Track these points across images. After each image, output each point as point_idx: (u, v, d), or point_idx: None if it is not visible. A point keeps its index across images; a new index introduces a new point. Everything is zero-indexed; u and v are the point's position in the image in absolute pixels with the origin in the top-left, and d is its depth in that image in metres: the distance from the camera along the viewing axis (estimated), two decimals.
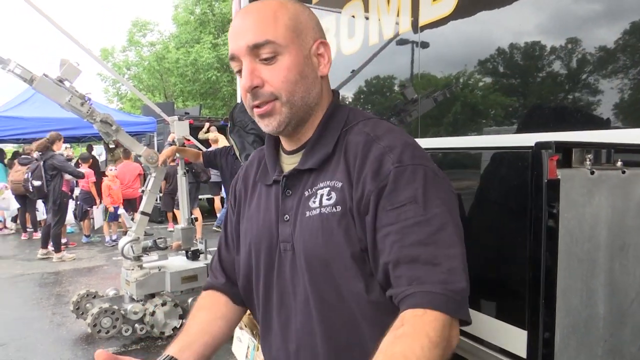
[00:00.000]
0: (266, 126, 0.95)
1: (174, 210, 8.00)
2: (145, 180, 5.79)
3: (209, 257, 4.54)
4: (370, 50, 2.12)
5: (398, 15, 1.95)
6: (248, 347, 3.05)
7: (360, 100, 2.30)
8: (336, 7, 2.34)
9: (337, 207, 0.90)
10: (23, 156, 8.76)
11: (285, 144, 1.03)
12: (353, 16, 2.21)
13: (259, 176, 1.07)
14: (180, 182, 4.66)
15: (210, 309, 1.10)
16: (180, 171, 4.62)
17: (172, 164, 4.67)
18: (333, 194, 0.91)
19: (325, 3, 2.44)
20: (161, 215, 9.49)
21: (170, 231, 8.21)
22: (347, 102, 2.28)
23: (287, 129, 0.95)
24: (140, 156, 4.29)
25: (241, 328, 3.20)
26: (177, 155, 4.31)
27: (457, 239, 0.83)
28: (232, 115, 2.13)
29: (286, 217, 0.97)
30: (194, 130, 7.85)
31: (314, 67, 0.95)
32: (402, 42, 1.93)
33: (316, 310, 0.93)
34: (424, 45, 1.82)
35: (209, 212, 10.20)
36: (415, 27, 1.82)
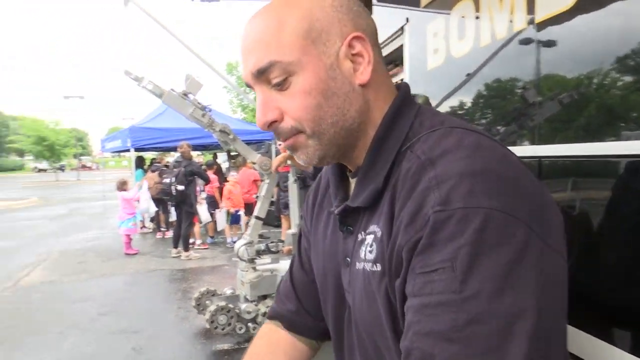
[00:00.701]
0: (298, 159, 0.75)
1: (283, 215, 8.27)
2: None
3: None
4: (484, 51, 2.00)
5: (512, 12, 1.81)
6: None
7: (473, 106, 2.18)
8: (445, 9, 2.24)
9: (377, 264, 0.68)
10: (156, 164, 9.75)
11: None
12: (463, 17, 2.11)
13: (326, 199, 0.88)
14: (292, 189, 4.79)
15: (268, 355, 0.94)
16: (291, 178, 4.76)
17: (283, 170, 4.83)
18: (375, 246, 0.69)
19: (434, 5, 2.36)
20: (277, 219, 9.87)
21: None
22: (462, 110, 2.17)
23: (326, 161, 0.75)
24: (255, 163, 4.52)
25: None
26: (289, 162, 4.46)
27: (515, 344, 0.53)
28: None
29: (347, 260, 0.77)
30: None
31: (347, 76, 0.70)
32: (521, 41, 1.79)
33: None
34: (545, 43, 1.67)
35: None
36: (534, 23, 1.68)
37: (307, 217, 0.94)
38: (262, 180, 4.88)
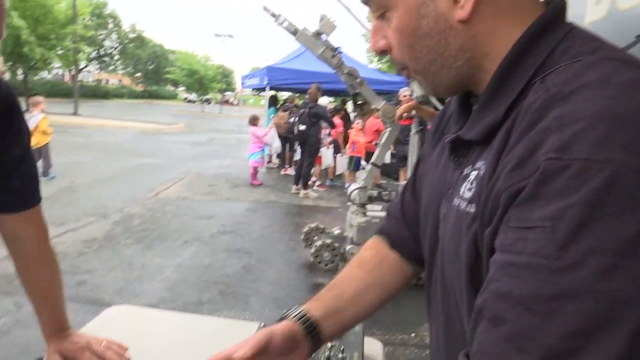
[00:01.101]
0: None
1: (402, 169, 8.15)
2: None
3: None
4: None
5: None
6: None
7: None
8: None
9: (472, 205, 0.60)
10: (287, 104, 10.11)
11: None
12: None
13: (447, 125, 0.80)
14: (412, 140, 4.68)
15: (372, 269, 0.93)
16: (413, 129, 4.64)
17: (406, 123, 4.70)
18: (474, 185, 0.61)
19: None
20: (397, 172, 9.76)
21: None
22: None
23: (443, 94, 0.70)
24: (378, 110, 4.45)
25: None
26: (413, 112, 4.32)
27: (611, 337, 0.42)
28: None
29: (449, 193, 0.69)
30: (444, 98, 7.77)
31: (442, 13, 0.61)
32: None
33: (443, 326, 0.73)
34: None
35: None
36: None
37: (428, 142, 0.88)
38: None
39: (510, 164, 0.52)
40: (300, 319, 0.84)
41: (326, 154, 9.14)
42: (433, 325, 0.78)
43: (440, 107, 4.78)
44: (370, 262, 0.94)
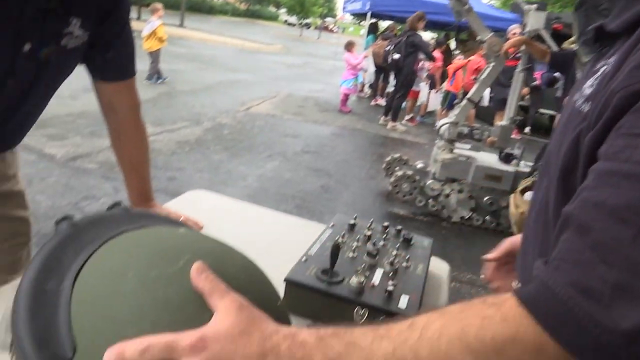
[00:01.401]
0: None
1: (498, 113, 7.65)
2: None
3: (522, 165, 4.27)
4: None
5: None
6: None
7: None
8: None
9: (587, 104, 0.54)
10: (387, 32, 9.66)
11: None
12: None
13: None
14: (516, 78, 4.33)
15: None
16: (520, 67, 4.28)
17: (511, 64, 4.34)
18: (596, 83, 0.55)
19: None
20: (492, 117, 9.18)
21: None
22: None
23: None
24: (484, 42, 4.13)
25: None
26: (522, 48, 3.97)
27: None
28: None
29: (576, 88, 0.65)
30: (559, 38, 7.05)
31: None
32: None
33: (535, 213, 0.70)
34: None
35: (547, 130, 9.39)
36: None
37: None
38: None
39: (633, 63, 0.47)
40: None
41: (423, 89, 8.79)
42: (525, 231, 0.75)
43: (553, 45, 4.36)
44: None
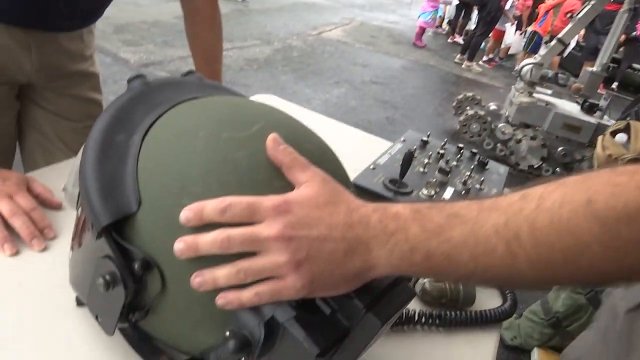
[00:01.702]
0: None
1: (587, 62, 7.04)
2: None
3: (605, 118, 3.94)
4: None
5: None
6: None
7: None
8: None
9: None
10: None
11: None
12: None
13: None
14: (618, 20, 3.89)
15: None
16: (625, 6, 3.83)
17: (612, 8, 3.89)
18: None
19: None
20: (579, 67, 8.46)
21: None
22: None
23: None
24: None
25: None
26: None
27: None
28: None
29: None
30: None
31: None
32: None
33: None
34: None
35: (637, 88, 8.59)
36: None
37: None
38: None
39: None
40: None
41: (509, 31, 8.19)
42: None
43: None
44: None
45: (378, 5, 12.56)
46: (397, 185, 0.95)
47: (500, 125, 4.02)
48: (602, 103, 3.99)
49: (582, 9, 3.85)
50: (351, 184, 0.61)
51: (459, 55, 7.69)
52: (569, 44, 4.07)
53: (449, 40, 9.67)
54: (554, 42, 3.93)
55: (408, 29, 9.53)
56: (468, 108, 4.40)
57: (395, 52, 7.39)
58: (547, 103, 3.97)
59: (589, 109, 3.98)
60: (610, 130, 1.50)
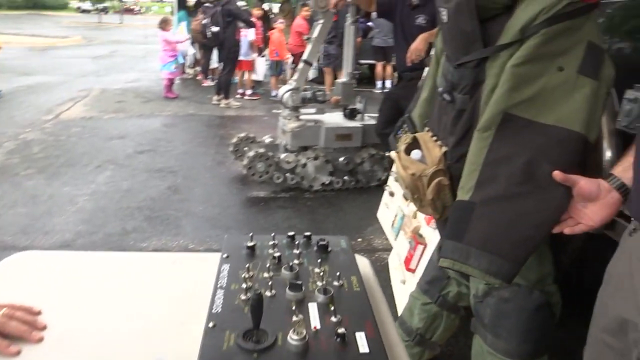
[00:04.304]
0: None
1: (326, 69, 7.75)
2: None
3: (367, 118, 4.28)
4: None
5: None
6: (396, 215, 2.80)
7: None
8: None
9: None
10: (206, 5, 8.99)
11: None
12: None
13: None
14: (348, 32, 4.26)
15: None
16: (349, 19, 4.20)
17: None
18: None
19: None
20: (319, 75, 9.23)
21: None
22: None
23: None
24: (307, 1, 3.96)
25: (391, 195, 2.93)
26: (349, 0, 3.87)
27: None
28: None
29: None
30: None
31: None
32: None
33: None
34: None
35: (369, 79, 9.81)
36: None
37: None
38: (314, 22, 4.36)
39: None
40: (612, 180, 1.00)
41: (259, 61, 8.46)
42: None
43: None
44: None
45: (112, 67, 11.84)
46: (254, 339, 0.70)
47: (283, 156, 4.02)
48: (360, 106, 4.31)
49: (314, 29, 4.08)
50: None
51: (215, 96, 7.65)
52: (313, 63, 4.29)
53: (203, 84, 9.59)
54: (301, 64, 4.09)
55: (153, 83, 9.17)
56: (246, 149, 4.31)
57: (150, 112, 6.96)
58: (316, 121, 4.12)
59: (351, 115, 4.26)
60: (401, 148, 1.47)
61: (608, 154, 1.72)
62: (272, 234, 1.00)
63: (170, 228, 3.34)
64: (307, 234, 1.01)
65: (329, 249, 0.97)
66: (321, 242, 0.98)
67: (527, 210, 1.05)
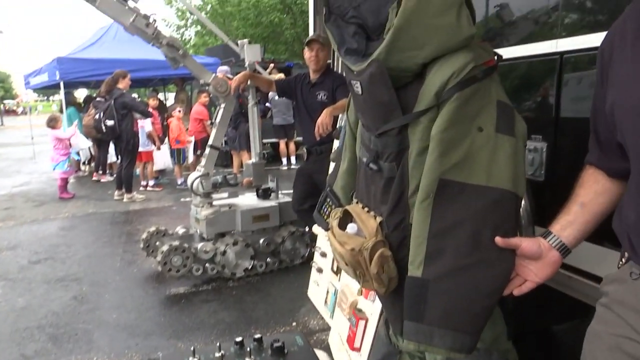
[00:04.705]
0: None
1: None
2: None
3: (281, 196, 4.24)
4: None
5: None
6: (327, 292, 2.71)
7: None
8: None
9: None
10: (98, 99, 8.73)
11: None
12: None
13: None
14: (252, 113, 4.29)
15: (590, 185, 1.05)
16: (251, 101, 4.25)
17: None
18: None
19: None
20: (226, 158, 9.15)
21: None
22: None
23: None
24: (208, 85, 3.95)
25: (319, 271, 2.85)
26: (249, 82, 3.92)
27: None
28: (328, 0, 1.66)
29: None
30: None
31: None
32: None
33: None
34: None
35: (273, 158, 9.93)
36: None
37: (626, 43, 0.89)
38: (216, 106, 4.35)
39: None
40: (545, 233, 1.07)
41: (163, 150, 8.25)
42: None
43: (267, 75, 4.47)
44: (586, 180, 1.07)
45: None
46: None
47: (199, 245, 3.81)
48: (272, 184, 4.28)
49: (217, 114, 4.06)
50: None
51: (116, 192, 7.24)
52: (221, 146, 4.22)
53: (94, 179, 9.09)
54: (208, 150, 4.00)
55: (45, 185, 8.56)
56: (158, 244, 4.04)
57: (44, 216, 6.39)
58: (230, 205, 4.00)
59: (265, 195, 4.20)
60: (333, 224, 1.42)
61: (522, 202, 1.79)
62: (218, 344, 0.86)
63: (81, 344, 2.94)
64: (257, 336, 0.90)
65: (285, 350, 0.86)
66: (276, 344, 0.86)
67: (478, 280, 1.06)
